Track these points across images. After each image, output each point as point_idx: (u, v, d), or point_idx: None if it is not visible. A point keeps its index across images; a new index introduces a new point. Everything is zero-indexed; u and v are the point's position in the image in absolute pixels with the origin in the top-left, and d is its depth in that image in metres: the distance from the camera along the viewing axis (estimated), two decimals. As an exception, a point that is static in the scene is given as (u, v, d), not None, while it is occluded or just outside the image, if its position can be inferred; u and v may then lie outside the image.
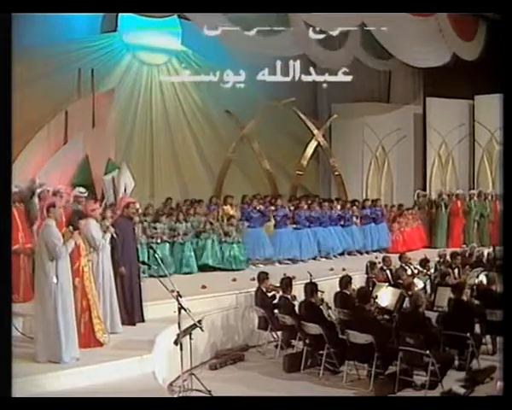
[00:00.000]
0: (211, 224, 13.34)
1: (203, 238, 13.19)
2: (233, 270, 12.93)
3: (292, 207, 15.30)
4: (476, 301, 9.91)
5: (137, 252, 9.78)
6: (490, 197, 18.36)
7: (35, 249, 7.99)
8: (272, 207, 14.67)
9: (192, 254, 12.92)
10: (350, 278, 10.12)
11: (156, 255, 8.65)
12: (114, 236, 8.67)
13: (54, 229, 7.39)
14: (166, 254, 12.53)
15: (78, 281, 7.83)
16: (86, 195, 10.68)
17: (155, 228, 12.67)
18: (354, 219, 16.26)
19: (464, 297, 9.55)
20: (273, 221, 14.49)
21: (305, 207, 15.22)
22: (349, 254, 15.87)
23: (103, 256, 8.48)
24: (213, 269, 13.04)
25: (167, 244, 12.70)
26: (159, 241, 12.55)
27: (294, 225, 14.84)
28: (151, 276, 10.03)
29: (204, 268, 13.02)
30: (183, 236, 12.91)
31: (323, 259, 15.09)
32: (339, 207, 16.30)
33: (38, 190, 10.20)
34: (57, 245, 7.27)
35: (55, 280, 7.26)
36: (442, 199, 18.13)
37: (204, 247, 13.13)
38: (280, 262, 14.26)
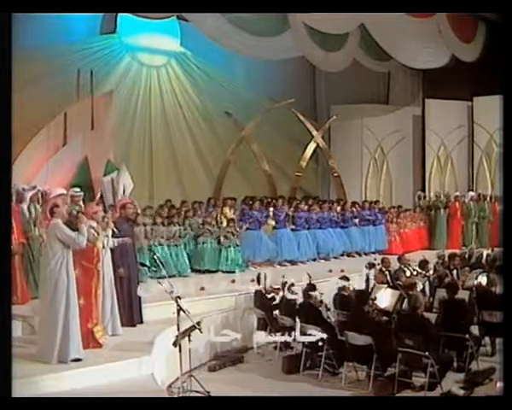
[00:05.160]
0: (208, 228, 13.30)
1: (201, 241, 13.16)
2: (231, 272, 12.90)
3: (291, 209, 15.30)
4: (467, 299, 9.83)
5: (136, 254, 9.76)
6: (488, 199, 18.40)
7: (42, 250, 7.99)
8: (272, 209, 14.67)
9: (188, 257, 12.89)
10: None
11: (156, 257, 8.65)
12: (115, 231, 8.66)
13: (62, 225, 7.44)
14: (164, 256, 12.48)
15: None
16: (82, 194, 10.65)
17: (153, 230, 12.64)
18: (353, 220, 16.27)
19: (458, 297, 9.50)
20: (273, 223, 14.50)
21: (305, 208, 15.23)
22: (348, 255, 15.90)
23: (103, 258, 8.46)
24: (212, 271, 13.01)
25: (165, 246, 12.67)
26: (156, 243, 12.52)
27: (293, 227, 14.85)
28: (150, 278, 10.02)
29: (202, 271, 12.99)
30: (181, 238, 12.89)
31: (322, 260, 15.11)
32: (338, 208, 16.30)
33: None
34: (73, 236, 7.33)
35: (65, 277, 7.29)
36: (441, 201, 18.15)
37: (201, 250, 13.10)
38: (279, 264, 14.26)
